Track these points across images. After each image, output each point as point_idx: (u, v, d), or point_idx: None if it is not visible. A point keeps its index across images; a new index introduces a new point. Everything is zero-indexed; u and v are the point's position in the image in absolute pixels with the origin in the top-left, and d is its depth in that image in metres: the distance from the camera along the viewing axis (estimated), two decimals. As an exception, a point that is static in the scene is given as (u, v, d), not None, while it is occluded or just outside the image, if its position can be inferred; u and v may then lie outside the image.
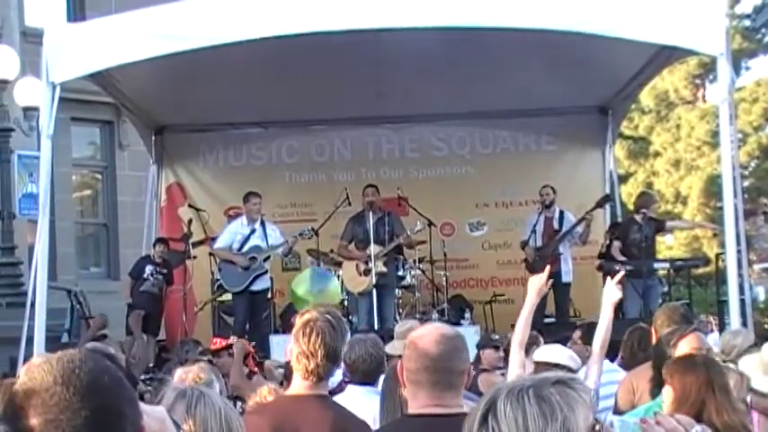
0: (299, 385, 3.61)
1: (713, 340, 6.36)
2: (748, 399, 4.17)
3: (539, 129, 12.86)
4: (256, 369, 7.50)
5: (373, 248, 10.55)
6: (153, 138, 12.70)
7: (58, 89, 7.98)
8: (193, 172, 13.05)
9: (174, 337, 11.70)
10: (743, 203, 8.88)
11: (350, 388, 4.89)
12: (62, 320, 11.89)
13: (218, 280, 11.38)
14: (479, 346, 7.70)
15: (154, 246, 11.98)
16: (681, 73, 27.11)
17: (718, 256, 11.72)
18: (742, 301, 7.75)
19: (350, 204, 11.47)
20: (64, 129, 13.58)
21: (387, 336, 6.71)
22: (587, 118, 12.76)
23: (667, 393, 3.68)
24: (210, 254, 11.67)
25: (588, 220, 11.22)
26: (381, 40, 9.29)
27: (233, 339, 7.80)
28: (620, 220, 12.33)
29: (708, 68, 25.14)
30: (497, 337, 7.96)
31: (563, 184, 11.91)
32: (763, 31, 28.29)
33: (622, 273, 5.24)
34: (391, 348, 5.50)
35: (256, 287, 10.85)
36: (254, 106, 11.92)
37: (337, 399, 4.14)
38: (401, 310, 11.26)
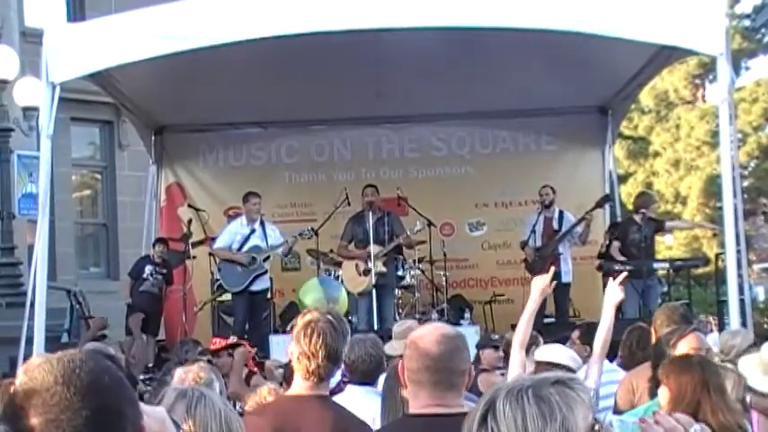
0: (299, 386, 3.61)
1: (713, 340, 6.35)
2: (747, 398, 4.17)
3: (538, 129, 12.87)
4: (256, 369, 7.51)
5: (373, 248, 10.55)
6: (152, 138, 12.70)
7: (57, 89, 7.97)
8: (193, 172, 13.05)
9: (173, 338, 11.70)
10: (742, 203, 8.88)
11: (349, 388, 4.89)
12: (62, 320, 11.89)
13: (217, 280, 11.38)
14: (479, 346, 7.70)
15: (153, 246, 11.99)
16: (680, 73, 27.11)
17: (717, 256, 11.73)
18: (741, 301, 7.75)
19: (349, 204, 11.47)
20: (63, 129, 13.58)
21: (386, 336, 6.72)
22: (587, 118, 12.76)
23: (663, 393, 3.69)
24: (210, 254, 11.67)
25: (588, 220, 11.22)
26: (381, 40, 9.29)
27: (233, 339, 7.80)
28: (619, 220, 12.33)
29: (707, 68, 25.15)
30: (497, 337, 7.96)
31: (563, 184, 11.91)
32: (763, 31, 28.29)
33: (625, 274, 5.23)
34: (389, 349, 5.50)
35: (256, 287, 10.85)
36: (254, 106, 11.92)
37: (336, 399, 4.14)
38: (401, 310, 11.26)
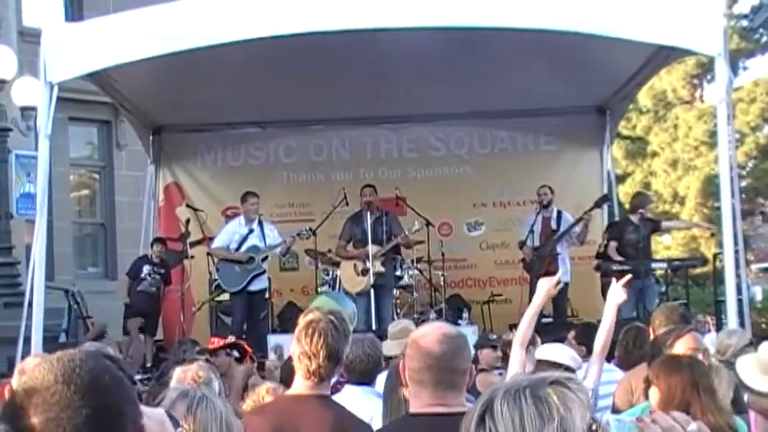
0: (300, 385, 3.62)
1: (710, 340, 6.36)
2: (745, 398, 4.18)
3: (537, 129, 12.87)
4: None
5: (371, 248, 10.54)
6: (151, 137, 12.70)
7: (55, 89, 7.97)
8: (191, 172, 13.05)
9: (171, 337, 11.70)
10: (740, 204, 8.90)
11: (347, 388, 4.89)
12: (60, 320, 11.89)
13: (215, 280, 11.38)
14: (477, 346, 7.69)
15: (151, 246, 11.99)
16: (679, 73, 27.13)
17: (715, 256, 11.75)
18: (739, 301, 7.75)
19: (348, 204, 11.47)
20: (61, 128, 13.60)
21: (385, 336, 6.71)
22: (585, 118, 12.77)
23: (654, 394, 3.71)
24: (208, 254, 11.67)
25: (586, 221, 11.23)
26: (379, 40, 9.29)
27: (231, 339, 7.79)
28: (617, 219, 12.34)
29: (705, 68, 25.17)
30: (495, 336, 7.97)
31: (561, 183, 11.91)
32: (761, 31, 28.31)
33: (629, 277, 5.23)
34: (385, 349, 5.49)
35: (254, 287, 10.85)
36: (252, 106, 11.92)
37: (334, 399, 4.14)
38: (399, 310, 11.26)
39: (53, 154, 8.75)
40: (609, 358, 5.94)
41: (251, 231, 10.91)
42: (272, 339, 10.09)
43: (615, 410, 5.16)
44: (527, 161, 12.79)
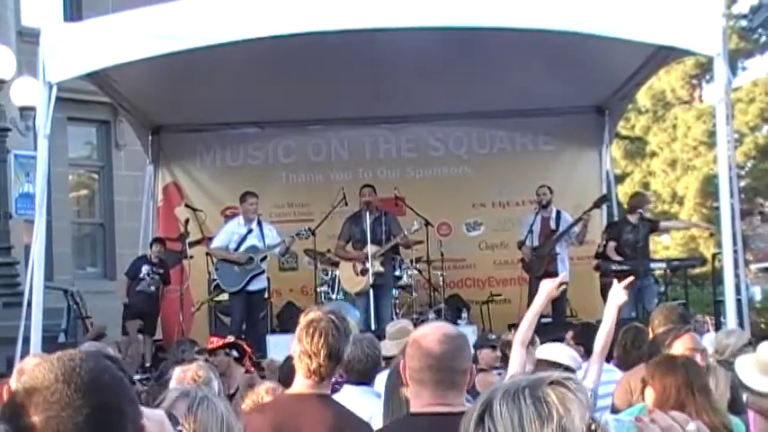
0: (300, 384, 3.63)
1: (709, 340, 6.36)
2: (744, 398, 4.18)
3: (536, 129, 12.87)
4: (253, 369, 7.50)
5: (370, 248, 10.54)
6: (150, 137, 12.69)
7: (54, 89, 7.97)
8: (190, 172, 13.05)
9: (171, 337, 11.69)
10: (739, 204, 8.90)
11: (346, 388, 4.89)
12: (59, 320, 11.89)
13: (214, 280, 11.38)
14: (476, 346, 7.69)
15: (150, 246, 11.99)
16: (677, 73, 27.12)
17: (714, 256, 11.74)
18: (738, 301, 7.76)
19: (347, 204, 11.47)
20: (60, 128, 13.59)
21: (383, 336, 6.71)
22: (584, 118, 12.77)
23: (649, 394, 3.72)
24: (207, 254, 11.67)
25: (585, 221, 11.23)
26: (377, 40, 9.29)
27: (230, 339, 7.80)
28: (616, 220, 12.34)
29: (704, 68, 25.15)
30: (494, 336, 7.97)
31: (560, 183, 11.91)
32: (760, 31, 28.31)
33: (631, 278, 5.23)
34: (383, 349, 5.49)
35: (253, 287, 10.85)
36: (251, 106, 11.92)
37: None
38: (398, 310, 11.25)
39: (52, 154, 8.74)
40: (608, 358, 5.95)
41: (250, 231, 10.92)
42: (271, 339, 10.09)
43: (614, 410, 5.16)
44: (526, 161, 12.79)
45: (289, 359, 5.73)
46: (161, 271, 11.88)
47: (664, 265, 11.77)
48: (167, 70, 9.42)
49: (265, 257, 10.93)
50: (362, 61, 10.27)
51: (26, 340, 7.72)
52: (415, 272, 11.53)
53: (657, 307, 6.94)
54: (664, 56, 9.60)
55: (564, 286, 4.85)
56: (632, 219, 11.17)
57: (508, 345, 6.31)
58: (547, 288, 4.67)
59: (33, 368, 1.57)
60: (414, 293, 11.51)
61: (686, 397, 3.58)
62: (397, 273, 11.15)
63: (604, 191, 12.50)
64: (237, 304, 10.85)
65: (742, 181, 24.29)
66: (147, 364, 11.10)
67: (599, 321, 5.06)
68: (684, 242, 26.37)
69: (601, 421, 1.61)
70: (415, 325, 6.04)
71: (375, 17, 7.85)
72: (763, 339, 4.51)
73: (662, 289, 11.50)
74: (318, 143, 13.10)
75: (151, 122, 12.55)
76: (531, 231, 11.35)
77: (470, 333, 9.29)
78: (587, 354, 5.57)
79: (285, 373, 5.64)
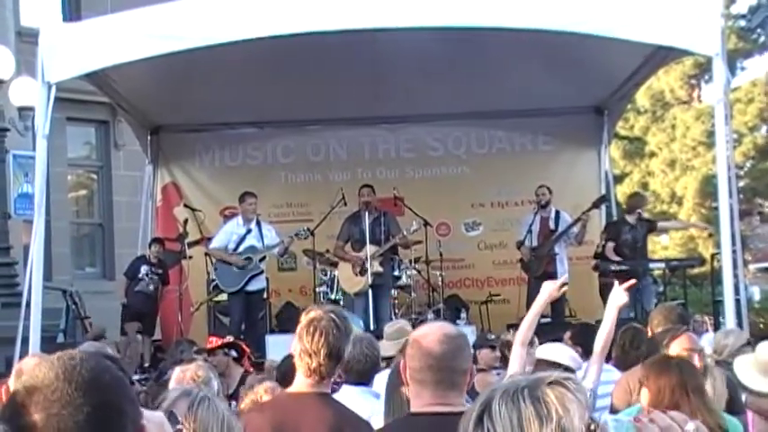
0: (300, 383, 3.63)
1: (708, 340, 6.37)
2: (743, 398, 4.19)
3: (535, 129, 12.88)
4: (252, 369, 7.50)
5: (369, 248, 10.54)
6: (149, 138, 12.69)
7: (53, 89, 7.97)
8: (189, 172, 13.05)
9: (169, 337, 11.69)
10: (738, 204, 8.91)
11: (345, 388, 4.88)
12: (57, 321, 11.87)
13: (213, 280, 11.38)
14: (475, 347, 7.68)
15: (149, 246, 11.98)
16: (676, 73, 27.14)
17: (713, 256, 11.74)
18: (737, 302, 7.76)
19: (346, 204, 11.47)
20: (59, 129, 13.58)
21: (382, 336, 6.71)
22: (583, 118, 12.77)
23: (644, 395, 3.73)
24: (206, 254, 11.66)
25: (584, 221, 11.23)
26: (377, 41, 9.29)
27: (229, 339, 7.80)
28: (614, 220, 12.35)
29: (703, 69, 25.18)
30: (493, 337, 7.97)
31: (559, 184, 11.91)
32: (759, 31, 28.33)
33: (633, 281, 5.23)
34: (381, 349, 5.49)
35: (252, 287, 10.85)
36: (250, 106, 11.92)
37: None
38: (397, 311, 11.25)
39: (51, 154, 8.74)
40: (606, 359, 5.95)
41: (249, 231, 10.91)
42: (270, 339, 10.09)
43: (613, 410, 5.16)
44: (525, 161, 12.79)
45: (286, 358, 5.74)
46: (160, 271, 11.88)
47: (663, 265, 11.78)
48: (166, 70, 9.41)
49: (264, 258, 10.93)
50: (361, 61, 10.27)
51: (25, 340, 7.72)
52: (414, 272, 11.53)
53: (656, 307, 6.95)
54: (662, 56, 9.60)
55: (565, 287, 4.85)
56: (630, 219, 11.18)
57: (507, 345, 6.32)
58: (548, 289, 4.68)
59: (34, 367, 1.57)
60: (413, 293, 11.51)
61: (681, 397, 3.59)
62: (396, 273, 11.15)
63: (603, 191, 12.50)
64: (236, 304, 10.85)
65: (741, 181, 24.30)
66: (146, 365, 11.10)
67: (598, 321, 5.07)
68: (683, 242, 26.39)
69: (600, 421, 1.61)
70: (414, 325, 6.04)
71: (374, 17, 7.85)
72: (762, 339, 4.51)
73: (661, 289, 11.51)
74: (317, 143, 13.10)
75: (150, 122, 12.55)
76: (530, 231, 11.36)
77: (469, 333, 9.27)
78: (585, 354, 5.58)
79: (282, 373, 5.64)
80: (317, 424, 3.50)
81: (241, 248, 10.84)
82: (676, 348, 4.52)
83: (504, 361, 6.52)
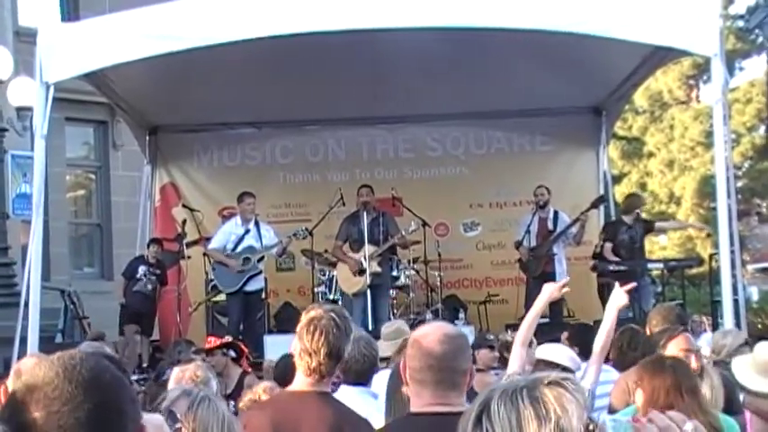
0: (300, 382, 3.63)
1: (706, 340, 6.37)
2: (741, 398, 4.19)
3: (533, 129, 12.88)
4: (250, 369, 7.50)
5: (368, 249, 10.54)
6: (147, 138, 12.69)
7: (51, 89, 7.97)
8: (187, 172, 13.05)
9: (168, 338, 11.68)
10: (736, 204, 8.91)
11: (343, 388, 4.88)
12: (56, 321, 11.87)
13: (212, 280, 11.38)
14: (474, 347, 7.66)
15: (148, 246, 11.98)
16: (675, 74, 27.17)
17: (711, 256, 11.74)
18: (735, 302, 7.77)
19: (344, 205, 11.47)
20: (58, 129, 13.57)
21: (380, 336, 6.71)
22: (581, 118, 12.78)
23: (639, 396, 3.73)
24: (205, 254, 11.66)
25: (582, 221, 11.24)
26: (377, 41, 9.30)
27: (227, 339, 7.80)
28: (612, 220, 12.35)
29: (701, 69, 25.21)
30: (492, 337, 7.96)
31: (557, 184, 11.92)
32: (757, 31, 28.29)
33: (634, 284, 5.24)
34: (379, 350, 5.48)
35: (250, 288, 10.84)
36: (249, 106, 11.92)
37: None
38: (395, 311, 11.26)
39: (49, 154, 8.74)
40: (605, 359, 5.95)
41: (247, 232, 10.91)
42: (269, 339, 10.09)
43: (611, 410, 5.17)
44: (523, 162, 12.80)
45: (283, 358, 5.74)
46: (158, 271, 11.88)
47: (661, 265, 11.78)
48: (165, 70, 9.41)
49: (263, 258, 10.92)
50: (360, 61, 10.27)
51: (23, 341, 7.72)
52: (413, 272, 11.54)
53: (655, 307, 6.96)
54: (661, 56, 9.61)
55: (566, 288, 4.85)
56: (628, 219, 11.18)
57: (506, 345, 6.32)
58: (549, 290, 4.68)
59: (34, 366, 1.58)
60: (411, 294, 11.52)
61: (675, 398, 3.59)
62: (395, 273, 11.16)
63: (602, 191, 12.51)
64: (235, 305, 10.85)
65: (739, 181, 24.31)
66: (144, 365, 11.10)
67: (596, 322, 5.07)
68: (681, 242, 26.41)
69: (598, 421, 1.62)
70: (412, 326, 6.04)
71: (373, 17, 7.86)
72: (760, 339, 4.51)
73: (659, 289, 11.51)
74: (316, 143, 13.10)
75: (148, 123, 12.55)
76: (528, 232, 11.36)
77: (468, 333, 9.25)
78: (582, 354, 5.58)
79: (280, 372, 5.64)
80: (317, 422, 3.50)
81: (239, 249, 10.84)
82: (673, 349, 4.52)
83: (503, 361, 6.52)
